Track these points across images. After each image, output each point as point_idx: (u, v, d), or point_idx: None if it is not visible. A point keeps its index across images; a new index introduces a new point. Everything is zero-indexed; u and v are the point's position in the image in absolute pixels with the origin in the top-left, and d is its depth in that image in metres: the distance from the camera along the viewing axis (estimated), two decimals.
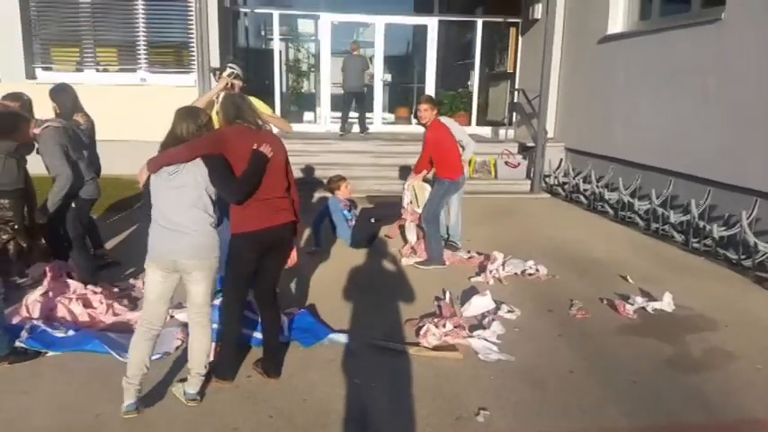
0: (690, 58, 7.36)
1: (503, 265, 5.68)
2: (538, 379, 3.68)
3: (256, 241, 3.39)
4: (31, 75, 10.07)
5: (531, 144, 10.48)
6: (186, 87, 9.92)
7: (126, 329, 4.06)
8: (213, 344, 3.81)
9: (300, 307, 4.69)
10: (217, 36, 10.26)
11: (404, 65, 15.53)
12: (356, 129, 11.90)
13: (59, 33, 10.36)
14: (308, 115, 13.29)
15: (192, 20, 10.09)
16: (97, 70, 10.51)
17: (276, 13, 12.05)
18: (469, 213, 8.16)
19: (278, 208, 3.44)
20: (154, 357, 3.74)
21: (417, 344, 4.05)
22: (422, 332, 4.13)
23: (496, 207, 8.86)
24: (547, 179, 10.40)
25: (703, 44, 7.10)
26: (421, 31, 13.13)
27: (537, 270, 5.70)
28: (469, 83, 13.60)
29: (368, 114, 12.45)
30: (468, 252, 6.27)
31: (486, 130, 12.91)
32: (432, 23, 12.63)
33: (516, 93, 11.81)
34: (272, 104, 11.99)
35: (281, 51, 12.85)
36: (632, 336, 4.38)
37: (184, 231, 3.09)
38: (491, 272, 5.52)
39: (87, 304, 4.33)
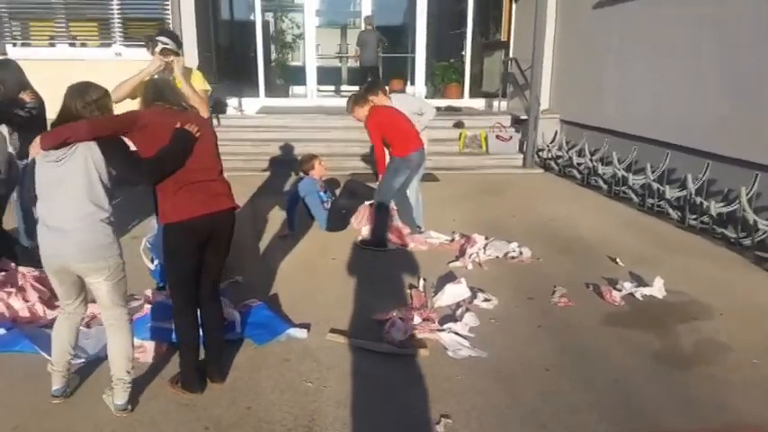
0: (687, 23, 6.88)
1: (483, 248, 5.33)
2: (509, 378, 3.34)
3: (193, 231, 3.01)
4: (1, 50, 9.62)
5: (524, 117, 10.04)
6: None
7: None
8: (152, 343, 3.52)
9: (262, 298, 4.37)
10: (192, 8, 9.79)
11: (395, 35, 15.01)
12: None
13: (31, 7, 9.89)
14: (295, 89, 12.84)
15: None
16: (71, 45, 10.06)
17: None
18: (456, 191, 7.85)
19: (215, 192, 3.07)
20: (91, 354, 3.46)
21: (381, 339, 3.72)
22: (386, 326, 3.79)
23: (486, 184, 8.48)
24: (540, 153, 9.98)
25: (701, 6, 6.62)
26: (411, 0, 12.60)
27: (520, 253, 5.34)
28: (462, 53, 13.10)
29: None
30: (453, 234, 5.88)
31: (479, 102, 12.46)
32: None
33: (509, 63, 11.32)
34: (255, 78, 11.60)
35: (267, 22, 12.34)
36: (618, 327, 4.03)
37: (71, 230, 2.71)
38: (470, 256, 5.17)
39: (26, 298, 4.01)
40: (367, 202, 6.06)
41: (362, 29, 12.24)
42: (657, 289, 4.48)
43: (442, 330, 3.80)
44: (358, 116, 5.56)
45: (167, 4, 9.71)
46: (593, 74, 9.13)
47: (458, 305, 4.23)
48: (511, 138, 9.96)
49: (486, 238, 5.59)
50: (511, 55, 11.79)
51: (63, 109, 2.81)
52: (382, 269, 5.06)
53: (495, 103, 11.80)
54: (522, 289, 4.63)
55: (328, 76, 14.51)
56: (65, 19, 10.00)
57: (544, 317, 4.16)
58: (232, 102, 11.35)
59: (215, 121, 9.78)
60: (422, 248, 5.51)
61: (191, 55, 9.76)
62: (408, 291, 4.50)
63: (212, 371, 3.26)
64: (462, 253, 5.30)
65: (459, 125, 10.33)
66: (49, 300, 4.05)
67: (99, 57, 9.92)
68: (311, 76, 12.04)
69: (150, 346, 3.54)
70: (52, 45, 9.97)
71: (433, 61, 13.13)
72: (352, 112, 5.60)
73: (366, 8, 12.06)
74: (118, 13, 10.00)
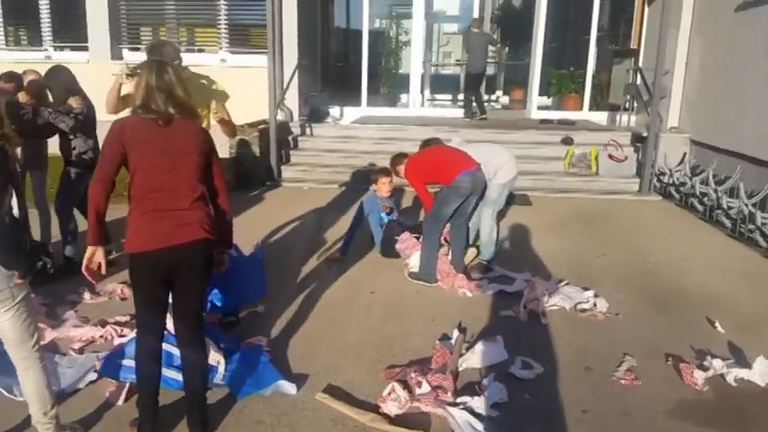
0: None
1: (548, 294, 4.49)
2: None
3: (151, 264, 2.66)
4: (117, 55, 10.16)
5: (646, 134, 8.79)
6: (263, 68, 9.44)
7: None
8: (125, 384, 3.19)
9: (274, 333, 3.94)
10: (295, 16, 9.69)
11: (514, 40, 14.09)
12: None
13: (144, 13, 10.36)
14: (398, 98, 12.41)
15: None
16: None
17: None
18: (547, 218, 6.92)
19: (183, 221, 2.65)
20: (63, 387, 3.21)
21: (377, 408, 3.11)
22: (385, 392, 3.17)
23: (586, 211, 7.45)
24: (662, 178, 8.67)
25: None
26: (528, 3, 11.67)
27: (594, 305, 4.43)
28: (585, 61, 11.90)
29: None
30: (522, 276, 4.99)
31: (600, 116, 11.22)
32: None
33: (635, 73, 10.04)
34: (358, 86, 11.30)
35: (374, 30, 12.04)
36: (691, 422, 3.08)
37: None
38: (527, 304, 4.36)
39: None
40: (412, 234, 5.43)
41: (470, 32, 11.48)
42: (759, 373, 3.42)
43: (455, 405, 3.10)
44: (401, 177, 5.19)
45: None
46: (731, 87, 7.75)
47: (488, 370, 3.49)
48: (626, 158, 8.74)
49: (559, 282, 4.73)
50: (641, 64, 10.49)
51: None
52: (418, 310, 4.41)
53: (624, 117, 10.52)
54: (581, 354, 3.77)
55: (434, 84, 13.96)
56: (175, 25, 10.35)
57: (596, 397, 3.30)
58: (333, 111, 11.18)
59: (307, 130, 9.63)
60: (468, 295, 4.75)
61: (290, 63, 9.70)
62: (438, 342, 3.82)
63: (190, 421, 2.88)
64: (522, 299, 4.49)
65: (567, 141, 9.28)
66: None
67: (205, 62, 10.15)
68: (415, 84, 11.53)
69: (123, 386, 3.23)
70: None
71: (552, 69, 12.07)
72: (396, 175, 5.33)
73: (478, 11, 11.34)
74: (225, 20, 10.18)
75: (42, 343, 3.70)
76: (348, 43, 13.54)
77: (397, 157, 5.29)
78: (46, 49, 10.27)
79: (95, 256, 2.67)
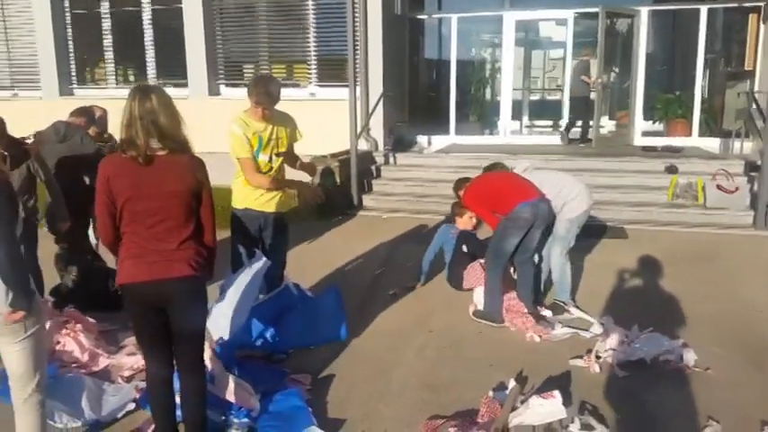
0: None
1: (627, 342, 3.98)
2: None
3: (137, 296, 2.66)
4: (215, 91, 10.66)
5: (759, 162, 7.87)
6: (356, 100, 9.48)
7: None
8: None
9: (320, 372, 3.78)
10: (380, 47, 9.72)
11: (617, 65, 13.36)
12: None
13: (240, 52, 10.82)
14: (488, 126, 12.06)
15: (356, 33, 9.66)
16: None
17: (455, 17, 11.07)
18: (642, 254, 6.24)
19: (167, 260, 2.60)
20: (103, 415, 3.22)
21: None
22: None
23: (689, 246, 6.70)
24: None
25: None
26: (625, 24, 11.02)
27: (681, 357, 3.88)
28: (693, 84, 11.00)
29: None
30: (601, 320, 4.46)
31: (712, 143, 10.24)
32: (642, 13, 10.41)
33: (749, 96, 9.10)
34: (446, 115, 11.13)
35: (462, 59, 11.84)
36: None
37: None
38: (599, 354, 3.88)
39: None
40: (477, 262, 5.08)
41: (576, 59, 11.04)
42: None
43: None
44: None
45: (357, 44, 9.76)
46: None
47: (545, 430, 3.10)
48: (737, 189, 7.86)
49: (644, 329, 4.20)
50: (756, 87, 9.51)
51: None
52: (477, 354, 4.07)
53: (736, 144, 9.55)
54: (655, 415, 3.28)
55: (534, 110, 13.46)
56: (268, 62, 10.72)
57: None
58: (421, 139, 11.06)
59: (390, 159, 9.54)
60: (536, 339, 4.31)
61: (375, 94, 9.71)
62: (490, 393, 3.46)
63: None
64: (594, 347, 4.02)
65: (671, 170, 8.51)
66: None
67: (296, 95, 10.43)
68: (506, 111, 11.18)
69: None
70: None
71: (657, 92, 11.26)
72: (459, 199, 5.19)
73: (569, 35, 10.84)
74: (314, 54, 10.40)
75: (95, 369, 3.83)
76: (437, 72, 13.44)
77: (460, 182, 5.07)
78: None
79: None
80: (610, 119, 13.80)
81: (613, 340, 3.95)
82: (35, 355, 2.52)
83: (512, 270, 4.84)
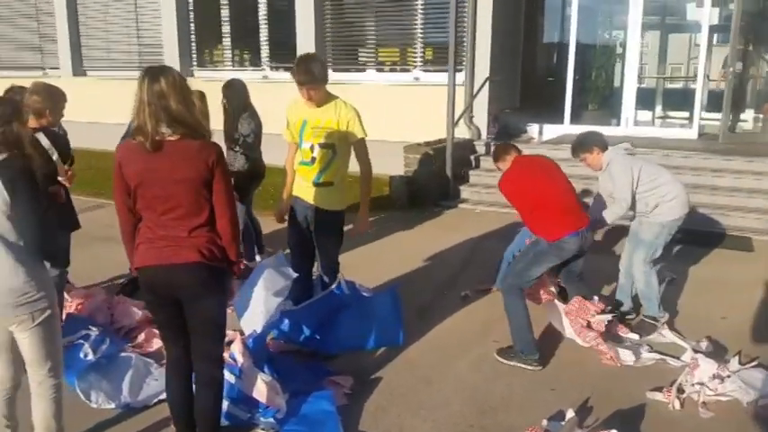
0: None
1: (719, 376, 3.35)
2: None
3: (147, 283, 2.60)
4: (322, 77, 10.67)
5: None
6: (455, 86, 9.08)
7: None
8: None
9: (367, 377, 3.55)
10: (489, 29, 9.19)
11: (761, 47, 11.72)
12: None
13: (347, 37, 10.75)
14: (609, 115, 11.08)
15: (465, 16, 9.20)
16: (378, 70, 10.58)
17: None
18: (763, 271, 5.33)
19: (177, 246, 2.49)
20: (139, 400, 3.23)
21: None
22: None
23: None
24: None
25: None
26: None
27: None
28: None
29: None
30: (699, 345, 3.85)
31: None
32: None
33: None
34: (562, 102, 10.38)
35: (581, 43, 10.93)
36: None
37: None
38: (683, 387, 3.29)
39: None
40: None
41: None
42: None
43: None
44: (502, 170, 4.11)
45: (464, 28, 9.31)
46: None
47: None
48: None
49: (745, 363, 3.53)
50: None
51: None
52: (539, 374, 3.61)
53: None
54: None
55: (667, 100, 12.20)
56: (374, 45, 10.56)
57: None
58: (531, 128, 10.39)
59: (491, 148, 9.02)
60: (608, 363, 3.70)
61: (481, 78, 9.24)
62: (544, 422, 3.03)
63: None
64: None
65: None
66: None
67: (400, 81, 10.22)
68: (629, 100, 10.13)
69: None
70: (361, 70, 10.63)
71: None
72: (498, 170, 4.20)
73: (713, 13, 9.59)
74: (420, 38, 10.09)
75: (149, 350, 3.88)
76: (556, 57, 12.57)
77: (500, 151, 4.17)
78: (263, 69, 11.25)
79: None
80: (756, 113, 12.22)
81: (704, 372, 3.34)
82: (46, 343, 2.52)
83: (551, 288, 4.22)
